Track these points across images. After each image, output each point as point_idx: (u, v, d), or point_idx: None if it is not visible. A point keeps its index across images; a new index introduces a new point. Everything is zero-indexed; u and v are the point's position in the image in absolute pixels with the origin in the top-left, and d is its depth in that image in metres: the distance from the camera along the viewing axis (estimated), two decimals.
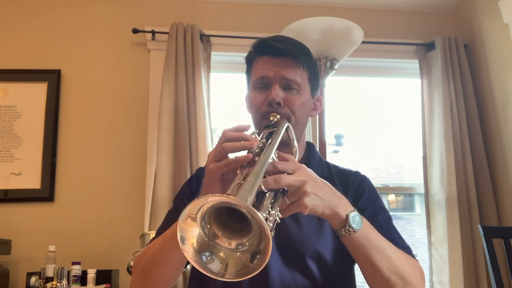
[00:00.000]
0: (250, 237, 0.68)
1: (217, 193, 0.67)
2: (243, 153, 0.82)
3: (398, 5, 2.89)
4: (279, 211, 0.74)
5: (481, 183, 2.52)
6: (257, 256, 0.66)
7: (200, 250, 0.68)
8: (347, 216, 0.84)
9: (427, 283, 2.40)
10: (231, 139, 0.83)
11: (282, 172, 0.77)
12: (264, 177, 0.75)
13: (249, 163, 0.78)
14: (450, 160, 2.48)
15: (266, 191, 0.74)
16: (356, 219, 0.85)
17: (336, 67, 2.21)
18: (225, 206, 0.66)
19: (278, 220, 0.72)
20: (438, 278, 2.41)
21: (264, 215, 0.69)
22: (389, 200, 3.30)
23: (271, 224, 0.70)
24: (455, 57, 2.68)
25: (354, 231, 0.84)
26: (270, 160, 0.80)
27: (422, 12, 2.93)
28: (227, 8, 2.77)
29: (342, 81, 2.98)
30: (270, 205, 0.72)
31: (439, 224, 2.46)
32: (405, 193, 3.27)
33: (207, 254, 0.68)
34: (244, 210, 0.64)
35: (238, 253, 0.69)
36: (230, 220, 0.70)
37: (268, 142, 0.88)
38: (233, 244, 0.69)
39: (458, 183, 2.45)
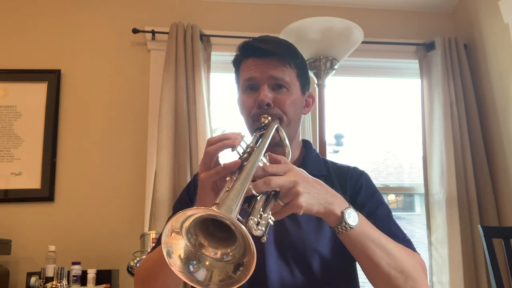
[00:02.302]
0: (234, 247, 0.67)
1: (201, 206, 0.66)
2: (234, 159, 0.82)
3: (398, 5, 2.89)
4: (273, 215, 0.73)
5: (481, 183, 2.52)
6: (240, 268, 0.65)
7: (187, 260, 0.68)
8: (342, 213, 0.84)
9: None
10: (213, 142, 0.83)
11: (273, 175, 0.77)
12: (254, 181, 0.74)
13: (239, 169, 0.78)
14: (450, 160, 2.48)
15: (257, 195, 0.73)
16: (351, 215, 0.85)
17: (336, 67, 2.21)
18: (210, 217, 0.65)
19: (271, 223, 0.71)
20: (438, 278, 2.41)
21: (256, 219, 0.69)
22: (389, 200, 3.30)
23: (263, 228, 0.69)
24: (455, 57, 2.67)
25: (350, 227, 0.84)
26: (260, 164, 0.79)
27: (422, 12, 2.93)
28: (227, 8, 2.77)
29: (342, 81, 2.98)
30: (262, 209, 0.71)
31: (439, 224, 2.45)
32: (405, 193, 3.26)
33: (194, 263, 0.68)
34: (228, 222, 0.63)
35: (223, 263, 0.68)
36: (216, 229, 0.69)
37: (257, 146, 0.87)
38: (219, 253, 0.69)
39: (458, 183, 2.45)
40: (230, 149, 0.83)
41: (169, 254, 0.66)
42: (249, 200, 0.73)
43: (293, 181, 0.77)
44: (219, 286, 0.66)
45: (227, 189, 0.72)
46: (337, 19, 2.10)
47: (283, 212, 0.78)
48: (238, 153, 0.83)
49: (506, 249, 1.86)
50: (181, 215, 0.63)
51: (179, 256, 0.67)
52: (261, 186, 0.74)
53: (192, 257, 0.68)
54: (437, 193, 2.49)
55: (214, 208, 0.64)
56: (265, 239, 0.69)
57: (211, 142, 0.84)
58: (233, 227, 0.63)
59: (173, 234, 0.66)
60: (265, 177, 0.75)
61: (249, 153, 0.83)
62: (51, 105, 2.50)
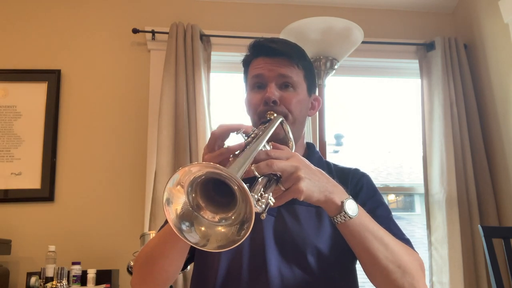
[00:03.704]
0: (235, 210, 0.68)
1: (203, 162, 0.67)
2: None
3: (398, 5, 2.90)
4: (275, 199, 0.74)
5: (481, 183, 2.52)
6: (245, 226, 0.65)
7: (182, 217, 0.69)
8: (342, 202, 0.84)
9: (427, 283, 2.40)
10: (219, 127, 0.86)
11: (275, 159, 0.78)
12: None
13: (241, 152, 0.79)
14: (450, 160, 2.48)
15: (259, 176, 0.74)
16: (351, 206, 0.85)
17: (336, 67, 2.21)
18: (212, 177, 0.67)
19: (271, 203, 0.72)
20: (438, 278, 2.41)
21: (256, 196, 0.70)
22: (389, 200, 3.30)
23: (263, 206, 0.70)
24: (455, 57, 2.68)
25: (349, 217, 0.85)
26: (264, 149, 0.81)
27: (422, 12, 2.93)
28: (227, 8, 2.77)
29: (342, 81, 2.98)
30: (262, 189, 0.73)
31: (439, 224, 2.45)
32: (405, 193, 3.26)
33: (187, 224, 0.69)
34: (227, 180, 0.65)
35: (220, 227, 0.69)
36: (217, 195, 0.71)
37: (261, 132, 0.89)
38: (217, 218, 0.70)
39: (458, 183, 2.45)
40: (235, 133, 0.86)
41: (168, 201, 0.67)
42: (251, 182, 0.74)
43: (295, 166, 0.78)
44: (217, 248, 0.67)
45: (229, 165, 0.73)
46: (337, 19, 2.10)
47: (283, 197, 0.78)
48: (244, 137, 0.85)
49: (506, 249, 1.86)
50: (187, 169, 0.65)
51: (176, 210, 0.68)
52: (264, 168, 0.75)
53: (187, 217, 0.69)
54: (437, 193, 2.49)
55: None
56: (264, 216, 0.71)
57: (218, 127, 0.86)
58: (232, 185, 0.64)
59: (178, 186, 0.67)
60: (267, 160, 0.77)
61: (253, 138, 0.85)
62: (51, 105, 2.50)
